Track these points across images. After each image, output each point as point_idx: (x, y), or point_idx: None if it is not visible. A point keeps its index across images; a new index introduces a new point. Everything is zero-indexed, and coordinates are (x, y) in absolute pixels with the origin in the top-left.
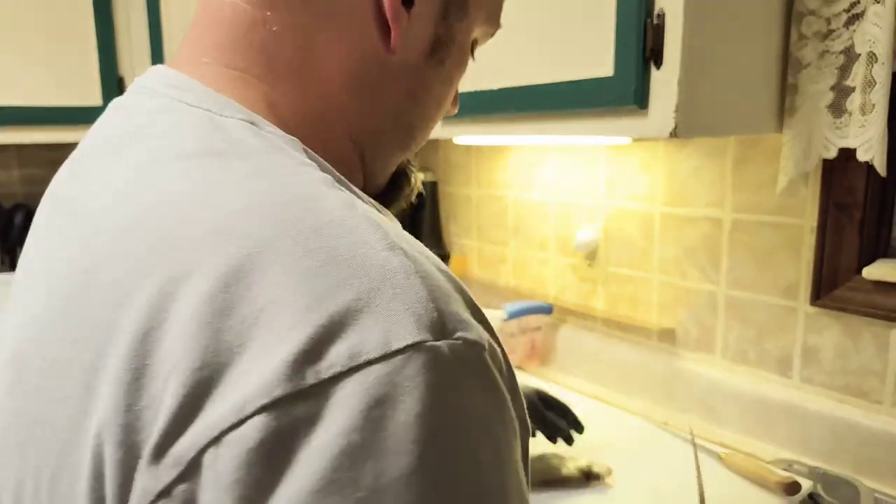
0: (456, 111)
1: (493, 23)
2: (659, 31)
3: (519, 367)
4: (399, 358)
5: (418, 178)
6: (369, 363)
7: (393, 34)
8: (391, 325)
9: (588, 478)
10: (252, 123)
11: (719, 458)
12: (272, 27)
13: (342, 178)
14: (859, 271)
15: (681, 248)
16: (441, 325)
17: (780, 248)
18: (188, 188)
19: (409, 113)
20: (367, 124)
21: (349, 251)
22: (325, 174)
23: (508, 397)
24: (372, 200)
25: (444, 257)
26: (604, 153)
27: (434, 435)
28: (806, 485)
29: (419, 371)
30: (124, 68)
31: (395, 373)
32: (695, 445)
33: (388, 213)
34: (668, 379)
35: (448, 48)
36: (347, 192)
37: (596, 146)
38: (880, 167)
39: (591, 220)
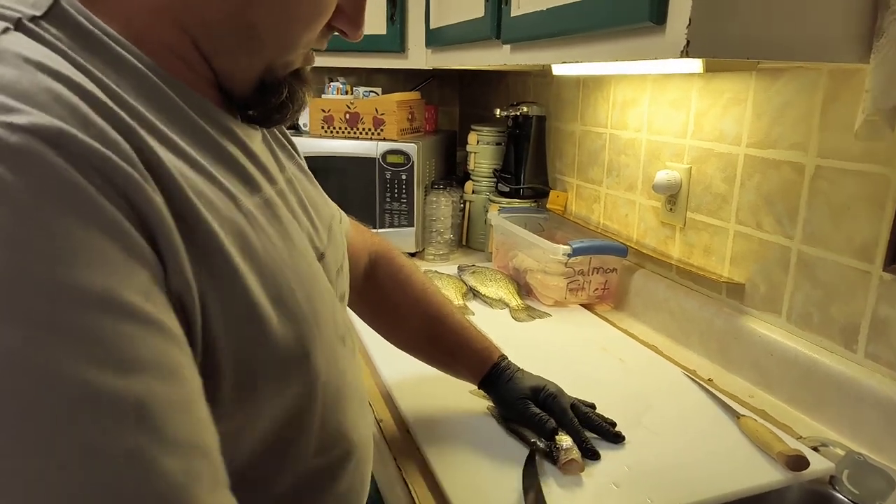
0: (357, 35)
1: None
2: None
3: (587, 307)
4: None
5: (303, 97)
6: None
7: None
8: None
9: (550, 457)
10: None
11: (737, 418)
12: None
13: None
14: None
15: (760, 195)
16: None
17: (861, 200)
18: None
19: (244, 12)
20: (196, 13)
21: None
22: (13, 13)
23: (98, 197)
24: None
25: (544, 192)
26: (696, 87)
27: None
28: (823, 465)
29: None
30: None
31: None
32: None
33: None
34: (728, 336)
35: None
36: (32, 30)
37: (690, 77)
38: None
39: (677, 160)
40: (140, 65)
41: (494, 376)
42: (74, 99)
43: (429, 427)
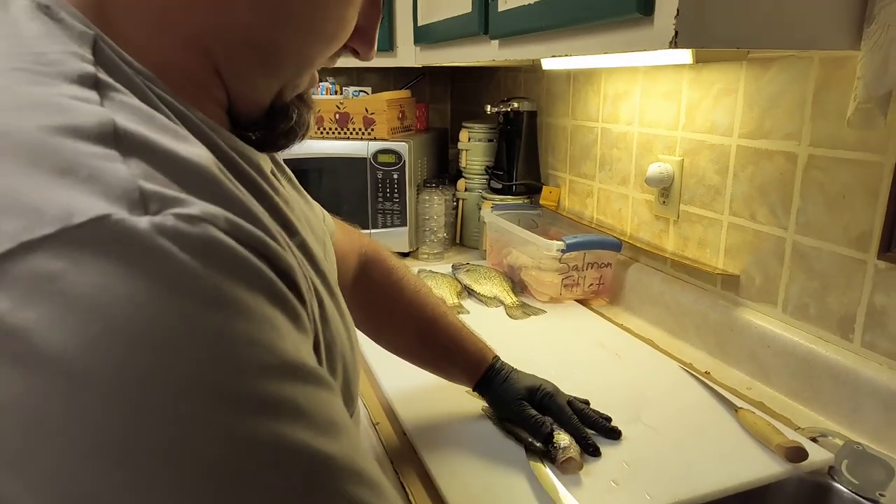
0: (370, 55)
1: None
2: None
3: (582, 302)
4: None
5: (309, 121)
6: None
7: None
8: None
9: (548, 456)
10: (46, 6)
11: (735, 411)
12: None
13: (137, 77)
14: None
15: (753, 186)
16: (142, 201)
17: (855, 189)
18: None
19: (269, 30)
20: (216, 33)
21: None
22: (85, 66)
23: (275, 278)
24: (170, 103)
25: (537, 188)
26: (687, 78)
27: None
28: (821, 456)
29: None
30: None
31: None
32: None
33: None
34: (724, 329)
35: None
36: (114, 91)
37: (680, 68)
38: None
39: (669, 152)
40: (193, 116)
41: (489, 378)
42: (209, 176)
43: (426, 431)
